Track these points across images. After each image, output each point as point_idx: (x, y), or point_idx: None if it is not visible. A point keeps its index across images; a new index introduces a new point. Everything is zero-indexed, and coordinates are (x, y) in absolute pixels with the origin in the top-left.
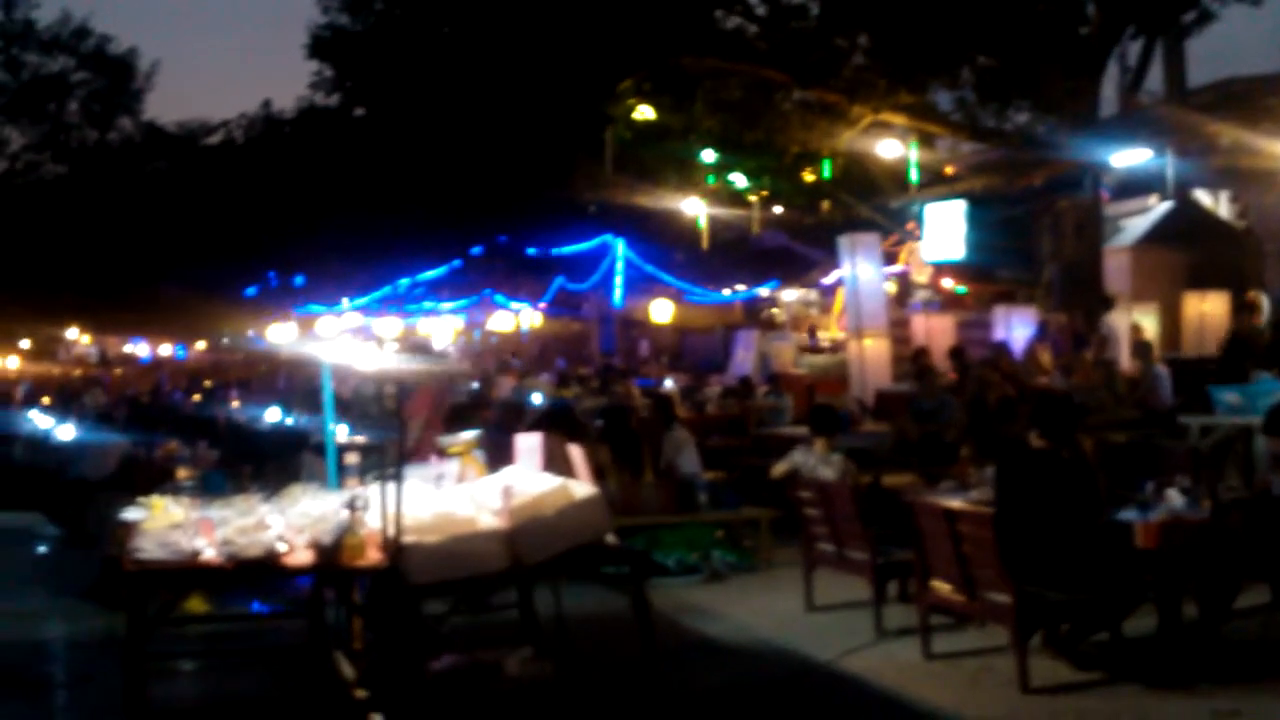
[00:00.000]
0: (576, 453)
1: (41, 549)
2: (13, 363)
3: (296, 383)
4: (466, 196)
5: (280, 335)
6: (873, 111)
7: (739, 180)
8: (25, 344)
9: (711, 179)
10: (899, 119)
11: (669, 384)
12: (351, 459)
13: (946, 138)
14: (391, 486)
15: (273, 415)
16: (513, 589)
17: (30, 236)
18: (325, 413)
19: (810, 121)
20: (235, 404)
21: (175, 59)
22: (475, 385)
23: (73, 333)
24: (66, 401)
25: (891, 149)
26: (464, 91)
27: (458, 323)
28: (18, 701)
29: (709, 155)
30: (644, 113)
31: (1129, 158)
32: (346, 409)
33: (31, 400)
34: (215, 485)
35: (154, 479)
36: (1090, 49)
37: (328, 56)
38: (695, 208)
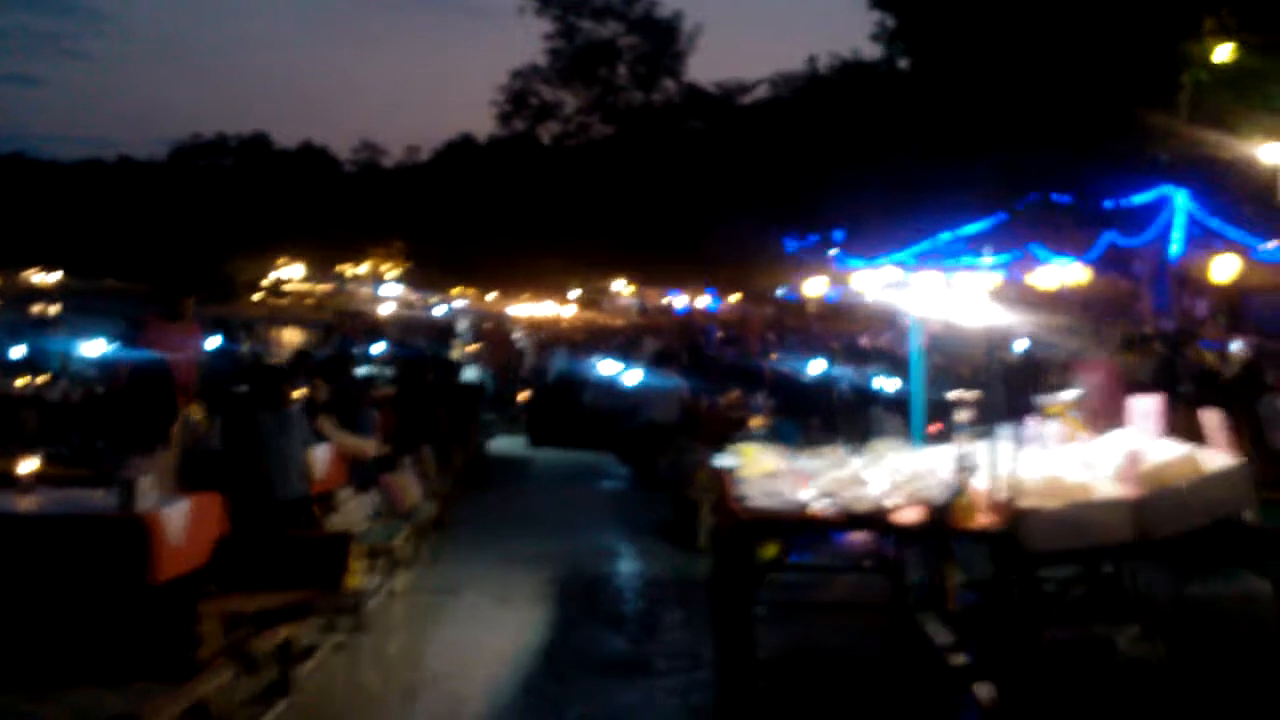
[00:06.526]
0: (1211, 419)
1: (612, 488)
2: (568, 311)
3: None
4: (1015, 146)
5: (813, 289)
6: None
7: None
8: (574, 293)
9: None
10: None
11: (1235, 347)
12: (960, 416)
13: None
14: (1005, 447)
15: (816, 367)
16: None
17: (580, 193)
18: (911, 369)
19: None
20: (774, 356)
21: (715, 20)
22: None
23: (617, 284)
24: (625, 349)
25: None
26: (1023, 35)
27: (995, 278)
28: (612, 636)
29: None
30: (1226, 52)
31: None
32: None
33: (589, 347)
34: (788, 435)
35: (718, 426)
36: None
37: (890, 6)
38: (1274, 155)
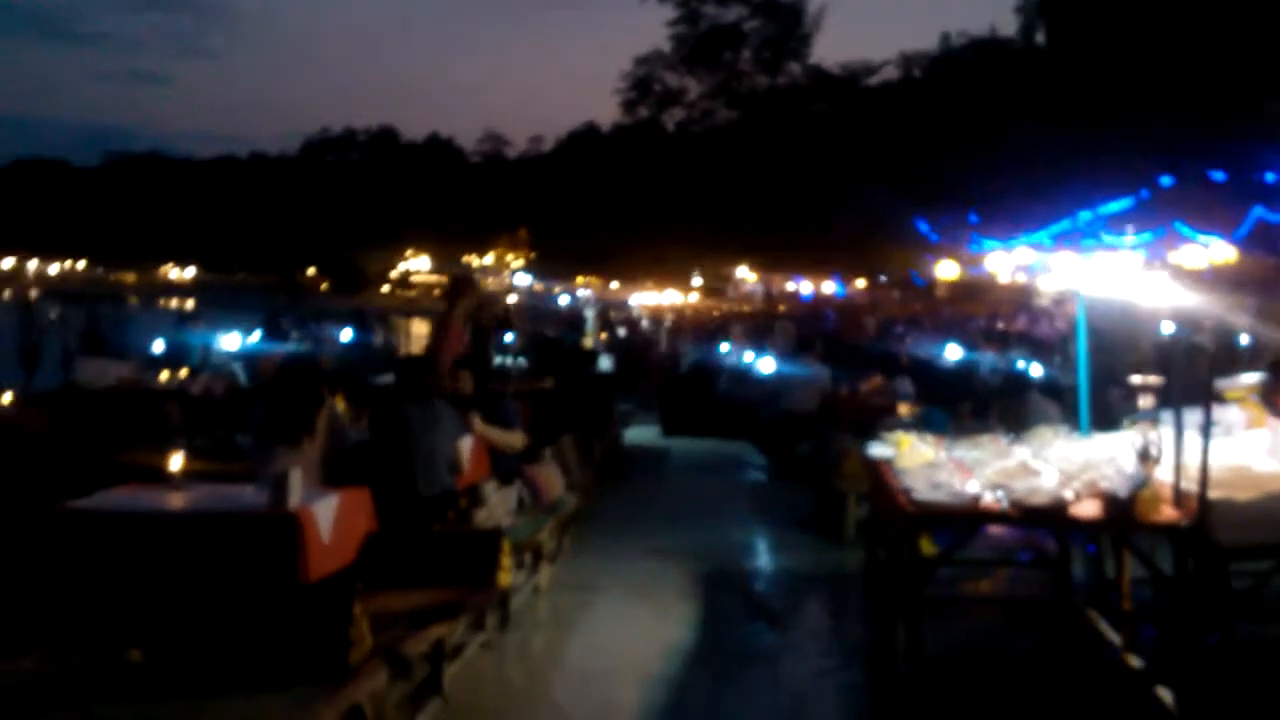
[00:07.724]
0: None
1: (750, 478)
2: (692, 298)
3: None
4: (1160, 120)
5: (945, 272)
6: None
7: None
8: (697, 281)
9: None
10: None
11: None
12: (1145, 402)
13: None
14: (1190, 435)
15: (954, 352)
16: None
17: (703, 180)
18: (1079, 352)
19: None
20: (909, 341)
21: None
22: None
23: (741, 271)
24: (757, 336)
25: None
26: (1176, 5)
27: (1136, 259)
28: (761, 631)
29: None
30: None
31: None
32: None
33: (718, 335)
34: (937, 423)
35: (861, 414)
36: None
37: None
38: None
